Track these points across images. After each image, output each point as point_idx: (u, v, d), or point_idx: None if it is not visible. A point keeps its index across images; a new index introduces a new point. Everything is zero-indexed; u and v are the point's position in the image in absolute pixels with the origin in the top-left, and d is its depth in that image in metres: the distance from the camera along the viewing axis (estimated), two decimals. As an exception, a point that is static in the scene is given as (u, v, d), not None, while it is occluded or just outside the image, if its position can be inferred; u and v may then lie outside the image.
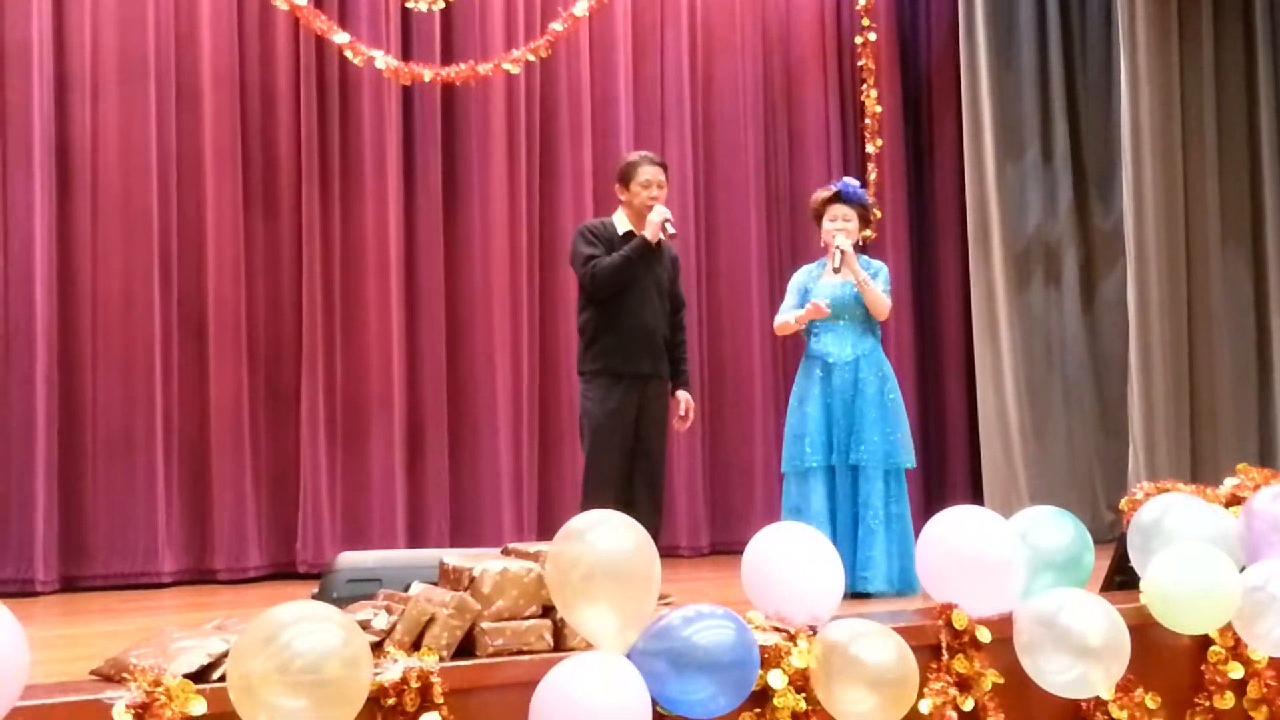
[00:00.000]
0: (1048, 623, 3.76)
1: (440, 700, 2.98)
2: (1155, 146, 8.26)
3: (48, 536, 6.15)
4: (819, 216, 5.50)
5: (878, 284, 5.38)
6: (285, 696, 2.66)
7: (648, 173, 5.40)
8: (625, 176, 5.45)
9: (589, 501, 5.01)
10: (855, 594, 5.04)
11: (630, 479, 5.30)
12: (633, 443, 5.30)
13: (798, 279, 5.58)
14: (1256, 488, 4.52)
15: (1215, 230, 8.45)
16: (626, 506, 5.18)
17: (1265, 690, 4.25)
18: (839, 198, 5.46)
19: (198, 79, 6.77)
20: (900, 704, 3.41)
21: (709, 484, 8.08)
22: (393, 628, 3.18)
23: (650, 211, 5.32)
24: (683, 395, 5.53)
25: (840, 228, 5.40)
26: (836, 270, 5.34)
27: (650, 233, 5.30)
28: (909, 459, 5.36)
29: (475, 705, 3.11)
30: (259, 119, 6.94)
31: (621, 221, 5.46)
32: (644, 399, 5.35)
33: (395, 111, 7.20)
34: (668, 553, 5.53)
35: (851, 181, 5.59)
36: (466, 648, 3.24)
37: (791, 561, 3.61)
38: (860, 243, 5.49)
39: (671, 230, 5.33)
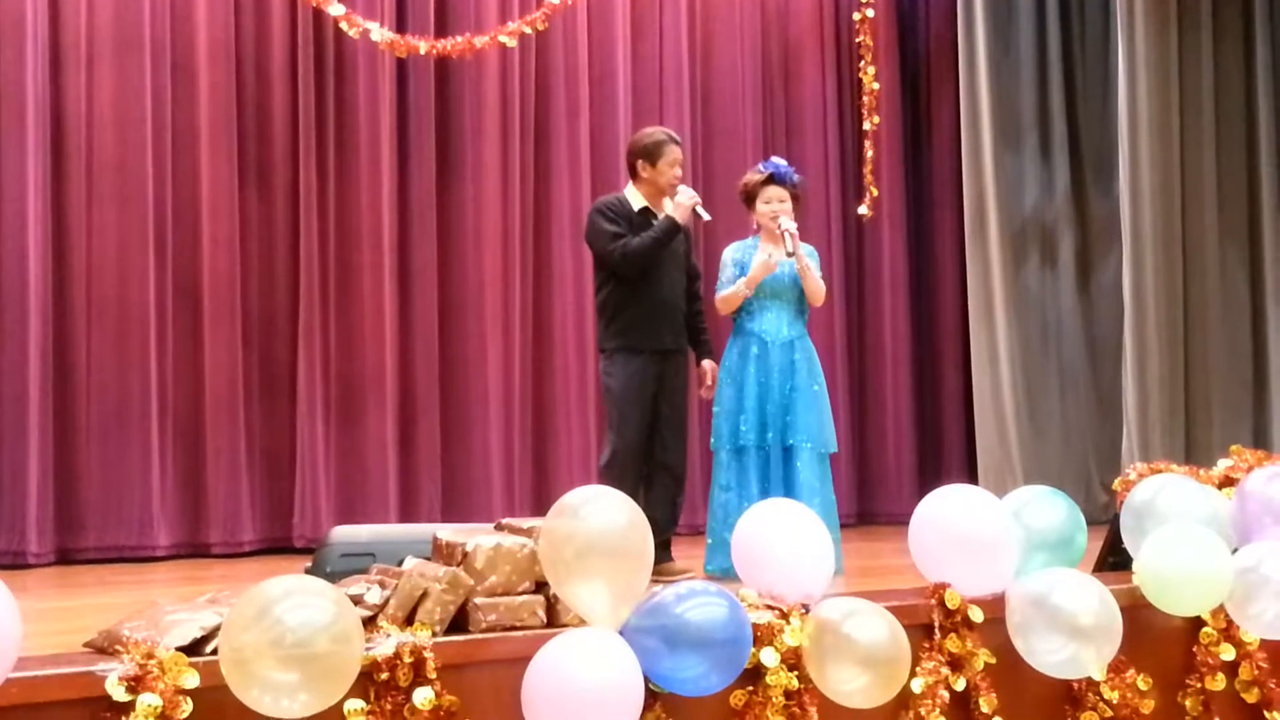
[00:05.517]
0: (1040, 603, 3.76)
1: (433, 675, 2.98)
2: (1152, 130, 8.24)
3: (42, 508, 6.16)
4: (751, 198, 5.42)
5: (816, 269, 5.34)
6: (277, 670, 2.66)
7: (675, 152, 5.33)
8: (652, 154, 5.33)
9: (609, 476, 4.98)
10: None
11: (650, 455, 5.25)
12: (652, 418, 5.24)
13: (733, 255, 5.46)
14: (1249, 469, 4.52)
15: (1211, 215, 8.44)
16: (646, 482, 5.21)
17: (1257, 672, 4.25)
18: (773, 179, 5.38)
19: (193, 52, 6.74)
20: (892, 683, 3.41)
21: (704, 464, 8.07)
22: (386, 602, 3.17)
23: (676, 193, 5.25)
24: (708, 364, 5.50)
25: (781, 209, 5.33)
26: (790, 254, 5.22)
27: (680, 215, 5.22)
28: (834, 443, 5.36)
29: (468, 680, 3.11)
30: (254, 93, 6.92)
31: (635, 198, 5.36)
32: (664, 373, 5.29)
33: (389, 87, 7.16)
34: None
35: (780, 162, 5.48)
36: (459, 623, 3.24)
37: (783, 539, 3.61)
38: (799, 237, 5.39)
39: (706, 215, 5.29)
